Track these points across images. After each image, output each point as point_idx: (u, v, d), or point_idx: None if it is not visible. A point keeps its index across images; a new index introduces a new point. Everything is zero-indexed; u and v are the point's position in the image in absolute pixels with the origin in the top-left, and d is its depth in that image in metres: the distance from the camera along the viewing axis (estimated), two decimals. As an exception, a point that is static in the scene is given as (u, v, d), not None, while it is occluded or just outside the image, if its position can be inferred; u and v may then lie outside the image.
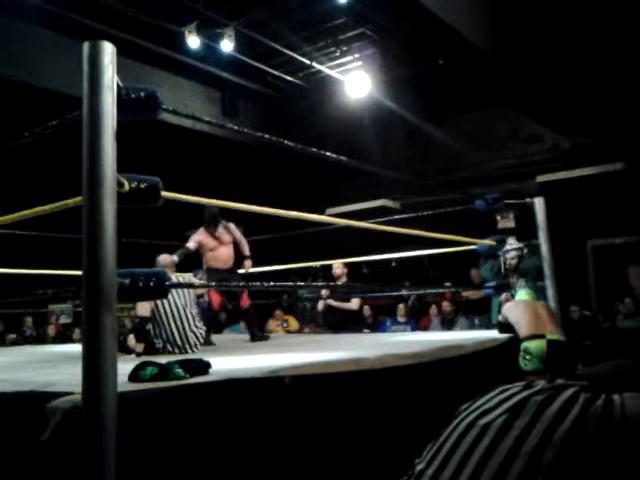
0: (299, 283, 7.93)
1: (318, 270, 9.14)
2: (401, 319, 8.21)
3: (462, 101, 8.97)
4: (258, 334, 4.93)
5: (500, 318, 1.17)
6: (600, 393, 0.61)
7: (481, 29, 6.31)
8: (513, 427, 0.60)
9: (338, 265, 6.37)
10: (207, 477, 1.67)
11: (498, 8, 6.63)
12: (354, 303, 6.54)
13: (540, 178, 8.98)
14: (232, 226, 5.02)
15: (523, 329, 1.00)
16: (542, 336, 0.95)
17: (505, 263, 5.02)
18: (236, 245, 5.02)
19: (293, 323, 8.81)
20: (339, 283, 6.43)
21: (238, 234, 5.04)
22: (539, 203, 4.32)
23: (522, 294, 1.26)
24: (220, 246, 4.91)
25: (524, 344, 0.99)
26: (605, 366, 0.73)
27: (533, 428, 0.59)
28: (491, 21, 6.51)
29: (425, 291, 8.36)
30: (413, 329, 7.95)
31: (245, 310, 4.97)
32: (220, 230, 4.92)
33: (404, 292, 7.81)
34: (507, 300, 1.22)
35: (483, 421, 0.63)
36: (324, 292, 6.51)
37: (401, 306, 8.26)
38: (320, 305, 6.87)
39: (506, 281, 4.80)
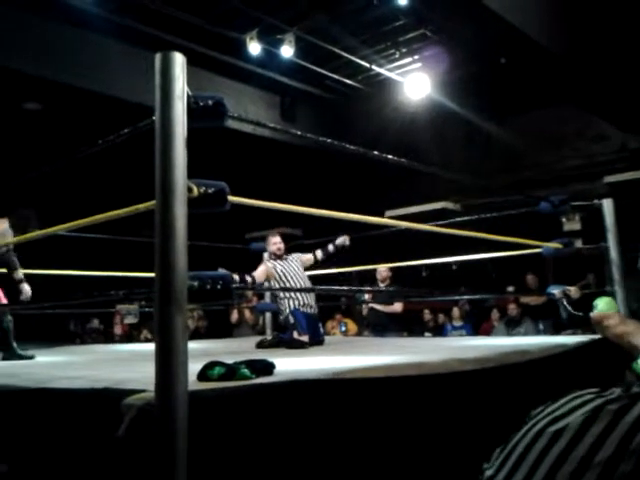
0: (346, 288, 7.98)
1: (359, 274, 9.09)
2: (456, 323, 8.14)
3: (525, 100, 8.77)
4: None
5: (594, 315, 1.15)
6: None
7: (547, 27, 6.15)
8: (587, 435, 0.59)
9: (384, 268, 6.63)
10: (270, 477, 1.70)
11: (566, 5, 6.44)
12: (397, 306, 6.74)
13: (608, 179, 8.68)
14: None
15: None
16: None
17: None
18: None
19: (352, 327, 8.80)
20: (383, 285, 6.71)
21: None
22: (607, 205, 4.18)
23: (603, 303, 1.23)
24: None
25: None
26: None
27: (608, 437, 0.58)
28: (558, 19, 6.34)
29: (481, 296, 8.21)
30: (469, 332, 7.86)
31: None
32: None
33: (457, 297, 7.74)
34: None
35: (554, 428, 0.62)
36: (367, 296, 6.72)
37: (455, 309, 8.18)
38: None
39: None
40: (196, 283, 1.70)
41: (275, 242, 4.66)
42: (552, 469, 0.62)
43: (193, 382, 1.71)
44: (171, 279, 1.51)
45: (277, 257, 4.63)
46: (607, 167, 8.75)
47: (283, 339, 4.34)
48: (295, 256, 4.75)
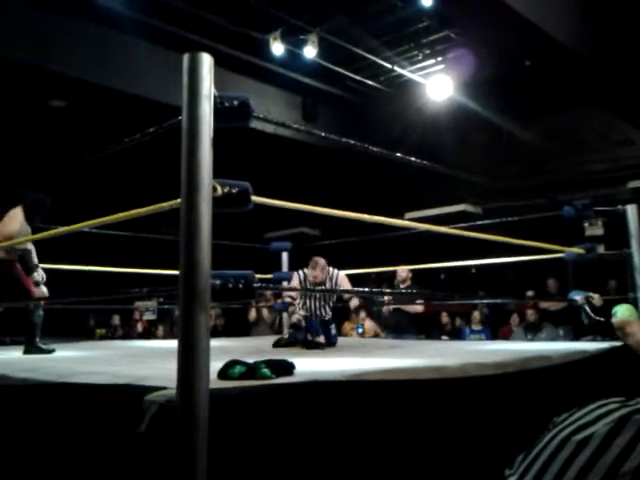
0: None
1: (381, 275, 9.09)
2: (475, 327, 8.08)
3: (549, 102, 8.69)
4: None
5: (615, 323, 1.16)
6: None
7: (573, 29, 6.08)
8: (613, 445, 0.58)
9: (403, 269, 6.70)
10: (289, 476, 1.71)
11: (594, 8, 6.36)
12: (419, 306, 6.80)
13: (632, 184, 8.56)
14: None
15: None
16: None
17: None
18: None
19: (369, 328, 8.77)
20: (402, 286, 6.77)
21: None
22: (631, 210, 4.13)
23: (623, 309, 1.22)
24: None
25: None
26: None
27: (635, 447, 0.57)
28: (586, 22, 6.26)
29: (502, 301, 8.13)
30: (488, 337, 7.80)
31: None
32: None
33: (476, 301, 7.67)
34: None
35: (580, 436, 0.62)
36: (386, 298, 6.72)
37: (476, 313, 8.12)
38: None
39: None
40: (218, 282, 1.71)
41: (315, 275, 4.52)
42: (578, 478, 0.61)
43: (213, 380, 1.72)
44: (195, 278, 1.52)
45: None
46: (632, 172, 8.63)
47: (299, 339, 4.36)
48: (334, 281, 4.61)
